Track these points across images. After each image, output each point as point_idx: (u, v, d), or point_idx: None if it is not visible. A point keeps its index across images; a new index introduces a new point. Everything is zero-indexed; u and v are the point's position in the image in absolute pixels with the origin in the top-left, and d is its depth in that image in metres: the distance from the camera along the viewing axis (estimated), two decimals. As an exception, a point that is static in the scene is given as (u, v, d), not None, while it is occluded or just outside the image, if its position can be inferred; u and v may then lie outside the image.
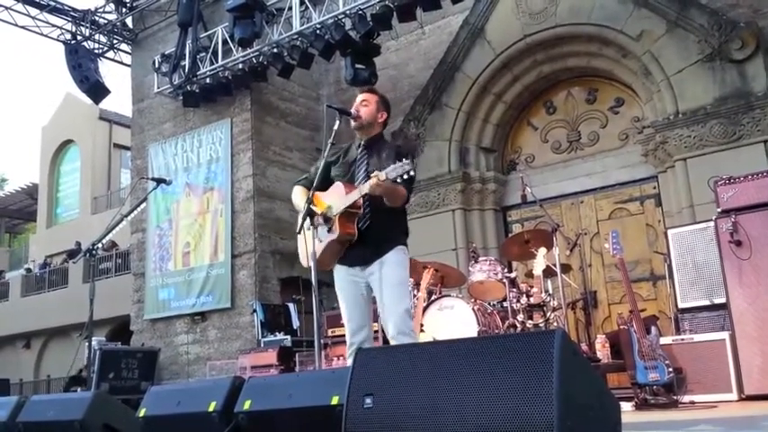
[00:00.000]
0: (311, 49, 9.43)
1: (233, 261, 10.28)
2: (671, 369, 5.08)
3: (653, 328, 5.35)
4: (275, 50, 9.64)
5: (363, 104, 3.67)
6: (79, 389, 8.87)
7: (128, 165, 15.78)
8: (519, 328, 6.04)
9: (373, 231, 3.52)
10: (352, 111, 3.66)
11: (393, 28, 9.21)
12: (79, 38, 12.34)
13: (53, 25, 12.55)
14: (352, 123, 3.67)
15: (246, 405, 3.04)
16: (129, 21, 12.59)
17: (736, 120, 7.47)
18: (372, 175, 3.32)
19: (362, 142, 3.69)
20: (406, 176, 3.25)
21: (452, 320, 5.98)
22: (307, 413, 2.85)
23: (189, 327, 10.66)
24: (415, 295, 6.23)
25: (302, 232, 3.51)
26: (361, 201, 3.47)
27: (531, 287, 6.39)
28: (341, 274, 3.65)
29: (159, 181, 6.67)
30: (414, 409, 2.29)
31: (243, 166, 10.50)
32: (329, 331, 7.98)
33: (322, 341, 7.14)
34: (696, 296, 5.83)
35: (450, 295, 6.39)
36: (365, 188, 3.38)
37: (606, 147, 9.08)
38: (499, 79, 9.46)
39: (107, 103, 23.15)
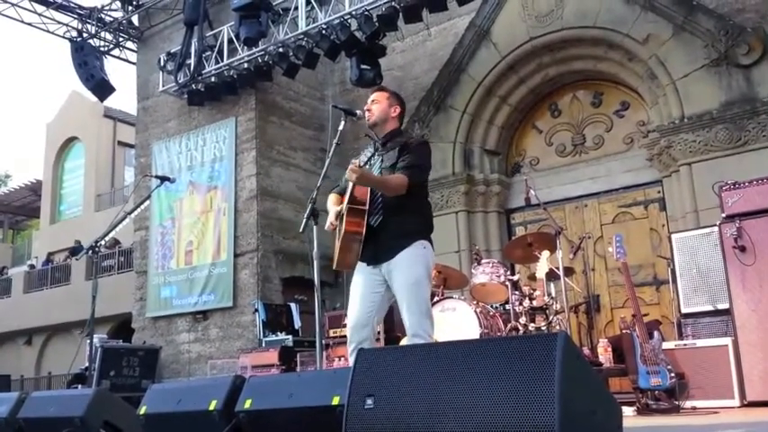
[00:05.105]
0: (316, 49, 9.43)
1: (235, 260, 10.28)
2: (673, 374, 5.07)
3: (655, 333, 5.34)
4: (281, 50, 9.64)
5: (374, 103, 3.67)
6: (80, 386, 8.87)
7: (132, 162, 15.83)
8: (521, 331, 6.02)
9: (387, 227, 3.42)
10: (363, 112, 3.66)
11: (399, 29, 9.20)
12: (85, 35, 12.35)
13: (59, 22, 12.59)
14: (367, 122, 3.66)
15: (247, 404, 3.04)
16: (135, 19, 12.61)
17: (742, 125, 7.45)
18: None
19: (380, 140, 3.68)
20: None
21: (454, 322, 5.97)
22: (307, 413, 2.84)
23: (190, 325, 10.66)
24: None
25: (335, 236, 3.49)
26: (367, 197, 3.41)
27: (534, 290, 6.36)
28: (360, 269, 3.54)
29: (163, 179, 6.62)
30: (415, 410, 2.28)
31: (247, 166, 10.49)
32: (331, 332, 7.96)
33: (323, 341, 7.14)
34: (699, 301, 5.82)
35: (452, 297, 6.37)
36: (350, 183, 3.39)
37: (611, 150, 9.05)
38: (504, 82, 9.45)
39: (112, 101, 23.20)
